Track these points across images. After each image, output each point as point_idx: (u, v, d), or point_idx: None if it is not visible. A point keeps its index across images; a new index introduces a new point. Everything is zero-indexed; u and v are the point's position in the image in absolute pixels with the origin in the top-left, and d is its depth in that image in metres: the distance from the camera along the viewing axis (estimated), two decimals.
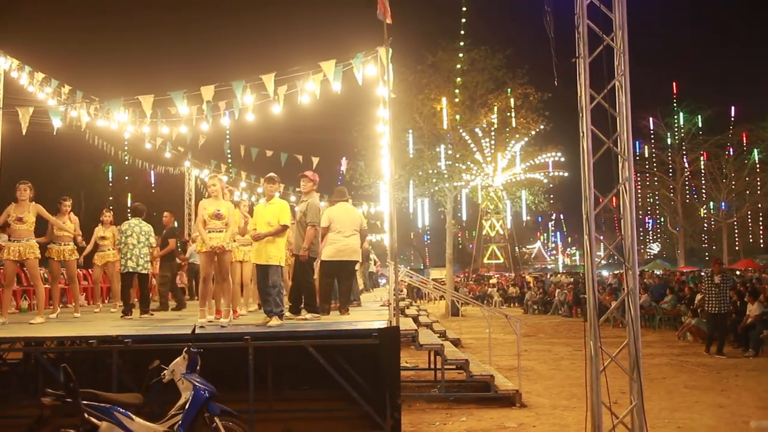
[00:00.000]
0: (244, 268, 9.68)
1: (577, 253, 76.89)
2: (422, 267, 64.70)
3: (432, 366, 11.22)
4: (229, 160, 25.88)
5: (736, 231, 52.82)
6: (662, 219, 56.13)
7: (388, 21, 8.08)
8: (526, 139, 32.24)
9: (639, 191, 52.74)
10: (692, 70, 62.81)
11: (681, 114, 51.84)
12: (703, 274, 22.90)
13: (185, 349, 5.60)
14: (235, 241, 8.91)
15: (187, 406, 5.33)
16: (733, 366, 12.48)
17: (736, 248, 51.72)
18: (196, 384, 5.41)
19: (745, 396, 9.69)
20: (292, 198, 22.62)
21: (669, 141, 50.87)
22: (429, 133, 28.61)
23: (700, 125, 50.52)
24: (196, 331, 6.15)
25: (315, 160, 19.78)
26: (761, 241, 53.51)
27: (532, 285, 35.75)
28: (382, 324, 7.26)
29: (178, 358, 5.59)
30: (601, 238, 6.44)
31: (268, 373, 7.75)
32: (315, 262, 9.17)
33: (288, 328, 7.49)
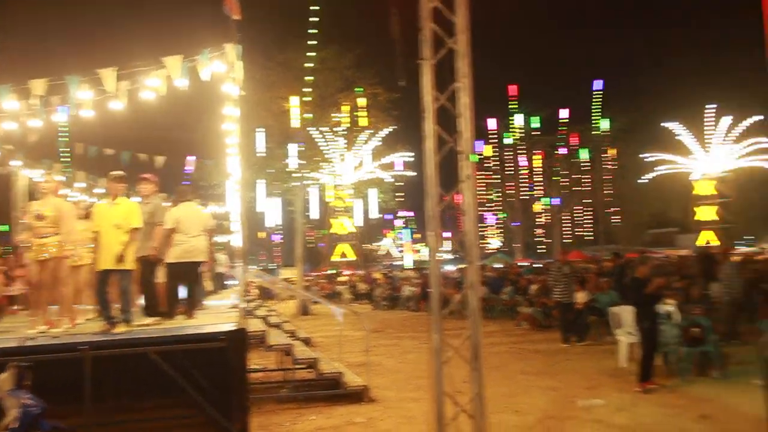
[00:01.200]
0: (82, 273, 9.08)
1: (424, 250, 79.28)
2: (273, 267, 64.06)
3: (282, 366, 11.15)
4: (65, 159, 24.18)
5: (567, 225, 57.00)
6: (503, 215, 59.38)
7: (236, 17, 7.91)
8: (376, 138, 32.85)
9: (482, 189, 55.52)
10: (531, 74, 66.96)
11: (519, 115, 55.25)
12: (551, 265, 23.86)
13: (10, 364, 5.18)
14: (70, 244, 8.32)
15: (13, 425, 4.94)
16: (563, 351, 13.45)
17: (565, 240, 55.72)
18: (24, 401, 5.03)
19: (575, 378, 10.48)
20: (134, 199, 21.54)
21: (509, 141, 54.07)
22: (279, 132, 28.37)
23: (536, 126, 54.15)
24: (27, 344, 5.71)
25: (160, 159, 18.97)
26: (590, 233, 58.10)
27: (381, 281, 36.45)
28: (230, 326, 7.10)
29: (3, 374, 5.17)
30: (448, 234, 6.69)
31: (109, 383, 7.34)
32: (159, 264, 8.80)
33: (131, 335, 7.14)
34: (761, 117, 42.32)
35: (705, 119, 46.35)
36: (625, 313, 11.31)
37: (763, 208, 44.82)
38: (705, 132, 46.59)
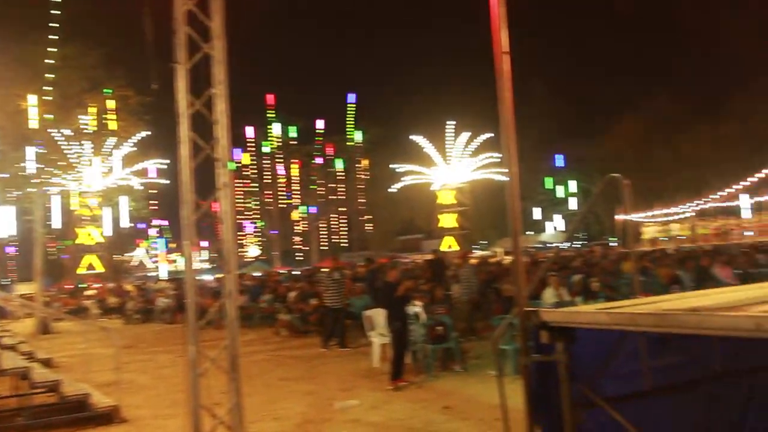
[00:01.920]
0: None
1: (180, 260, 76.62)
2: (6, 282, 57.44)
3: (17, 392, 10.04)
4: None
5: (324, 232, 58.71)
6: (261, 223, 59.41)
7: None
8: (127, 143, 31.03)
9: (240, 197, 55.01)
10: (289, 83, 67.75)
11: (277, 124, 55.66)
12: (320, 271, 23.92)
13: None
14: None
15: None
16: (321, 355, 13.80)
17: (322, 248, 57.33)
18: None
19: (331, 381, 10.81)
20: None
21: (267, 149, 54.17)
22: (14, 133, 25.60)
23: (294, 135, 55.03)
24: None
25: None
26: (345, 240, 60.35)
27: (133, 294, 34.44)
28: None
29: None
30: (206, 243, 6.54)
31: None
32: None
33: None
34: (492, 134, 47.07)
35: (446, 133, 50.50)
36: (378, 315, 11.92)
37: (495, 215, 49.88)
38: (446, 145, 50.76)
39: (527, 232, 54.02)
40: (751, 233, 35.60)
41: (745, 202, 38.68)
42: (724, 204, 40.04)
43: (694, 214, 41.34)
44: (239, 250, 56.25)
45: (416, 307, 11.68)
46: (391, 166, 49.95)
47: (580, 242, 50.76)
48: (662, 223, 41.84)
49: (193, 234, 5.83)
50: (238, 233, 56.79)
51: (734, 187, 38.67)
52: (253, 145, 56.02)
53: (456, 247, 45.76)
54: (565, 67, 56.54)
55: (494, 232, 53.68)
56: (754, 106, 38.34)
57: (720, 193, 39.65)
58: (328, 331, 14.70)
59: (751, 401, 4.51)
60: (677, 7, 55.57)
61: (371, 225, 58.09)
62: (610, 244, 37.97)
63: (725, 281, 13.22)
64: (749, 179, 37.68)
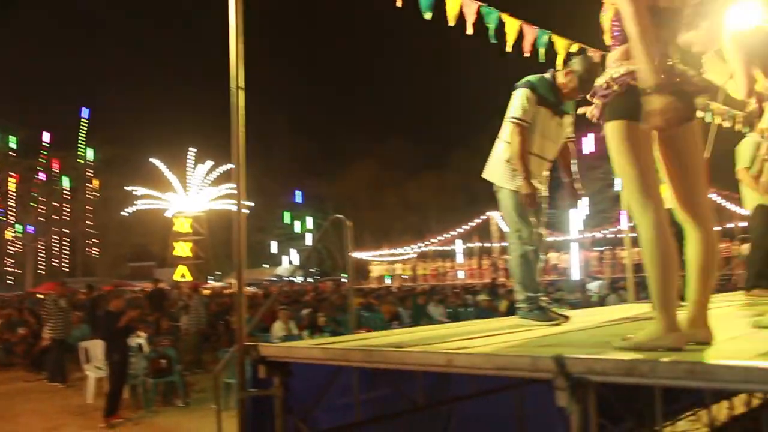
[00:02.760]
0: None
1: None
2: None
3: None
4: None
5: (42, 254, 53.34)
6: None
7: None
8: None
9: None
10: (13, 89, 60.29)
11: None
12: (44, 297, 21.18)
13: None
14: None
15: None
16: (25, 391, 12.45)
17: (39, 271, 51.94)
18: None
19: (35, 420, 9.81)
20: None
21: None
22: None
23: (13, 146, 49.48)
24: None
25: None
26: (66, 264, 55.33)
27: None
28: None
29: None
30: None
31: None
32: None
33: None
34: (233, 165, 46.81)
35: (187, 161, 49.22)
36: (95, 347, 11.13)
37: (231, 246, 49.32)
38: (187, 173, 49.44)
39: (264, 265, 54.33)
40: (463, 275, 39.61)
41: (459, 247, 43.09)
42: (442, 248, 44.17)
43: (416, 255, 44.94)
44: None
45: (140, 339, 11.17)
46: (126, 188, 47.22)
47: (315, 277, 52.36)
48: (389, 262, 44.80)
49: None
50: None
51: (451, 232, 42.95)
52: None
53: (189, 277, 44.48)
54: (309, 107, 58.69)
55: (230, 262, 52.95)
56: (472, 162, 43.00)
57: (439, 238, 43.72)
58: (53, 365, 13.17)
59: (447, 430, 5.00)
60: (419, 67, 61.09)
61: (98, 249, 54.01)
62: (342, 279, 39.69)
63: (438, 318, 14.57)
64: (464, 227, 42.20)
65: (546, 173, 4.69)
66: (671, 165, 2.86)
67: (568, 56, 5.98)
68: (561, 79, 4.55)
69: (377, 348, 3.09)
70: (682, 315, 2.74)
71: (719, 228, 27.50)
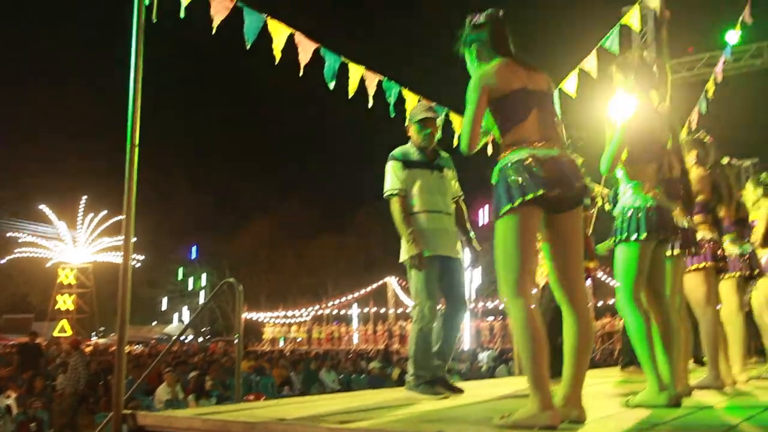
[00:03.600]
0: None
1: None
2: None
3: None
4: None
5: None
6: None
7: None
8: None
9: None
10: None
11: None
12: None
13: None
14: None
15: None
16: None
17: None
18: None
19: None
20: None
21: None
22: None
23: None
24: None
25: None
26: None
27: None
28: None
29: None
30: None
31: None
32: None
33: None
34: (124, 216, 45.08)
35: (79, 208, 47.09)
36: None
37: (117, 301, 47.00)
38: (77, 221, 47.26)
39: (153, 322, 51.99)
40: (357, 340, 39.42)
41: (355, 311, 43.01)
42: (338, 311, 43.94)
43: (311, 318, 44.40)
44: None
45: (9, 399, 10.39)
46: (8, 234, 44.50)
47: (206, 337, 50.53)
48: (283, 325, 43.97)
49: None
50: None
51: (348, 296, 42.88)
52: None
53: (69, 332, 42.00)
54: (208, 162, 57.81)
55: (116, 318, 50.27)
56: (371, 226, 43.58)
57: (336, 301, 43.51)
58: None
59: None
60: (322, 129, 61.82)
61: None
62: (235, 341, 38.59)
63: (330, 385, 14.36)
64: (361, 291, 42.27)
65: (454, 229, 4.70)
66: (551, 246, 3.03)
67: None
68: (412, 137, 4.71)
69: (260, 420, 3.03)
70: (559, 392, 2.86)
71: (601, 303, 28.96)
